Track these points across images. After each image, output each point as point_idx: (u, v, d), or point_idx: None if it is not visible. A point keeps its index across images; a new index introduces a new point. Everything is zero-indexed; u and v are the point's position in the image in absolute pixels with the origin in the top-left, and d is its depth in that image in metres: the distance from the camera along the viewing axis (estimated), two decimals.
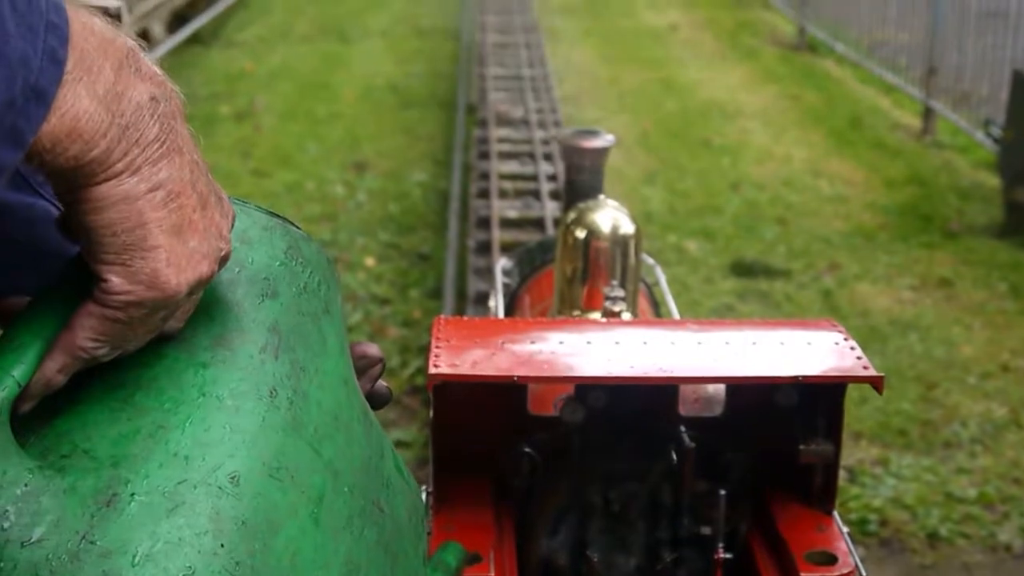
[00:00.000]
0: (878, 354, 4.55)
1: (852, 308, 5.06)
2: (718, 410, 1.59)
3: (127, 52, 0.76)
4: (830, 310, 4.97)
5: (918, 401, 4.26)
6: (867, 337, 4.69)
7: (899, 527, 3.59)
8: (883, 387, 1.39)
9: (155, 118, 0.76)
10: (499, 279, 2.41)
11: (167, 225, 0.77)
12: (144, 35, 8.89)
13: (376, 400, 1.07)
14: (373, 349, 1.06)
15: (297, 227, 0.92)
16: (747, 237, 5.88)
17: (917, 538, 3.54)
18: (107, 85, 0.74)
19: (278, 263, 0.88)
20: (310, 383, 0.86)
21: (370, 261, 5.47)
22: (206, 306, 0.84)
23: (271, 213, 0.91)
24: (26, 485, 0.72)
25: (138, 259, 0.76)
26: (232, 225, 0.84)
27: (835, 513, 1.52)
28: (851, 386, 1.49)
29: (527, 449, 1.55)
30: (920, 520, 3.61)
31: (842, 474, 3.73)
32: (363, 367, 1.04)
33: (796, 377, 1.43)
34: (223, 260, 0.82)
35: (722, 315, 4.90)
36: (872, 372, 1.41)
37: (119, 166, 0.74)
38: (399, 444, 3.95)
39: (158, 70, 0.79)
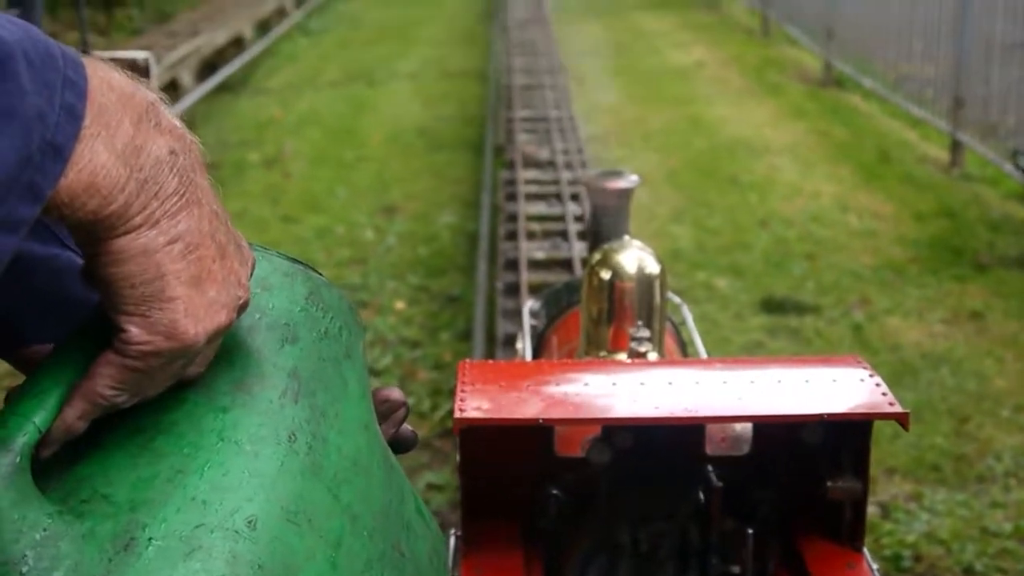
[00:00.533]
0: (910, 388, 4.53)
1: (883, 343, 5.05)
2: (745, 448, 1.59)
3: (147, 106, 0.77)
4: (861, 345, 4.96)
5: (951, 435, 4.24)
6: (899, 371, 4.67)
7: (934, 562, 3.56)
8: (908, 423, 1.39)
9: (174, 171, 0.77)
10: (527, 321, 2.42)
11: (185, 276, 0.78)
12: (173, 84, 8.97)
13: (401, 444, 1.08)
14: (396, 393, 1.07)
15: (319, 273, 0.93)
16: (776, 273, 5.88)
17: (952, 573, 3.52)
18: (125, 139, 0.75)
19: (299, 308, 0.89)
20: (330, 428, 0.87)
21: (400, 304, 5.48)
22: (226, 351, 0.84)
23: (292, 259, 0.92)
24: (45, 530, 0.73)
25: (156, 310, 0.77)
26: (252, 272, 0.85)
27: (864, 550, 1.52)
28: (883, 421, 1.49)
29: (555, 491, 1.56)
30: (955, 555, 3.58)
31: (875, 510, 3.71)
32: (386, 411, 1.05)
33: (821, 415, 1.43)
34: (242, 308, 0.83)
35: (752, 352, 4.89)
36: (897, 408, 1.42)
37: (138, 219, 0.75)
38: (431, 487, 3.95)
39: (178, 123, 0.80)
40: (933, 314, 5.36)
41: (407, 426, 1.09)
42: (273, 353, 0.86)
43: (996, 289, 5.62)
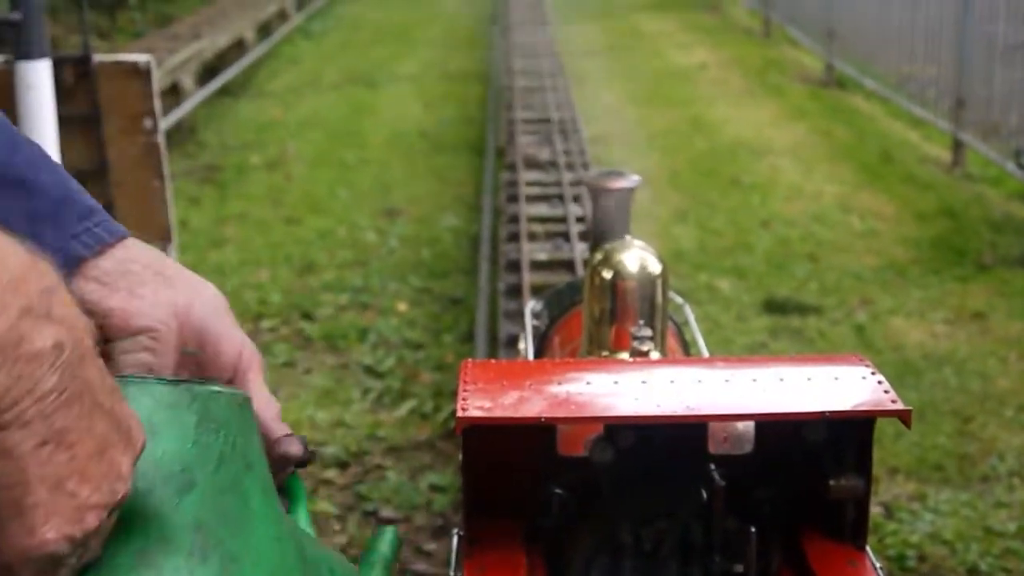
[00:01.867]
0: (913, 388, 4.53)
1: (886, 343, 5.05)
2: (747, 447, 1.59)
3: (39, 292, 0.70)
4: (863, 346, 4.96)
5: (954, 435, 4.24)
6: (901, 372, 4.67)
7: (938, 562, 3.56)
8: (911, 421, 1.39)
9: (55, 367, 0.70)
10: (528, 321, 2.41)
11: (52, 480, 0.71)
12: (175, 88, 8.97)
13: (291, 466, 1.04)
14: (295, 448, 1.03)
15: (202, 383, 0.87)
16: (779, 274, 5.88)
17: (957, 573, 3.52)
18: (3, 329, 0.68)
19: (190, 444, 0.83)
20: (241, 570, 0.83)
21: (402, 306, 5.48)
22: (124, 520, 0.79)
23: (173, 381, 0.85)
24: None
25: (14, 519, 0.70)
26: (139, 454, 0.78)
27: (867, 548, 1.52)
28: (886, 421, 1.49)
29: (557, 490, 1.55)
30: (959, 555, 3.58)
31: (879, 510, 3.71)
32: (284, 465, 1.02)
33: (824, 413, 1.42)
34: (120, 502, 0.76)
35: (755, 353, 4.89)
36: (900, 406, 1.41)
37: (6, 417, 0.69)
38: (434, 489, 3.95)
39: (73, 309, 0.74)
40: (935, 314, 5.35)
41: (295, 439, 1.05)
42: (172, 510, 0.81)
43: (999, 289, 5.62)
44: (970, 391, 4.58)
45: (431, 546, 3.68)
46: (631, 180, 2.24)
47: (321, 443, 4.24)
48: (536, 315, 2.43)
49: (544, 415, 1.41)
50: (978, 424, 4.32)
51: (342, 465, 4.12)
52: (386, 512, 3.85)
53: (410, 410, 4.46)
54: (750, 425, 1.60)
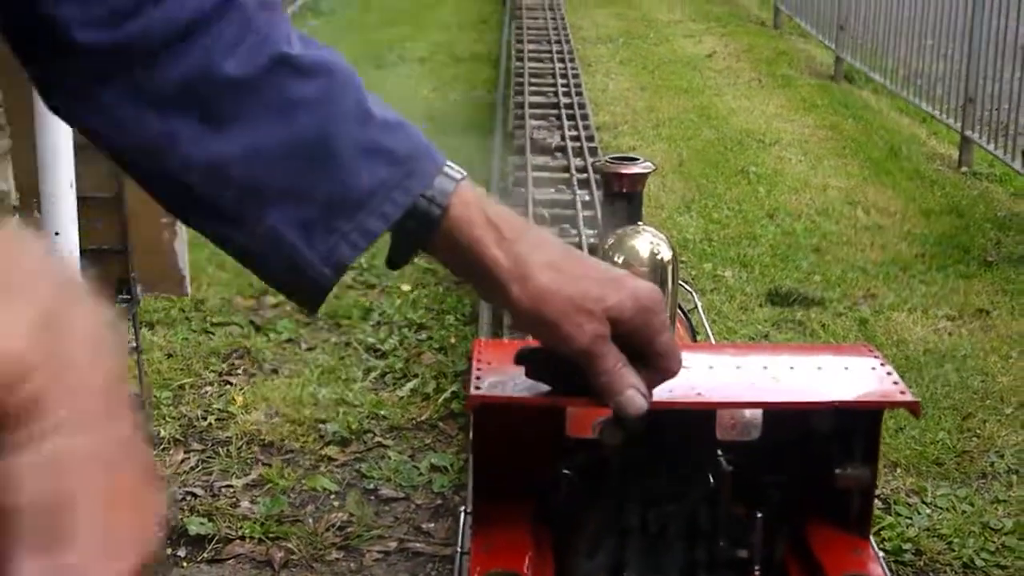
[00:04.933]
0: (914, 384, 4.54)
1: (888, 338, 5.06)
2: (755, 434, 1.60)
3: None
4: (866, 339, 4.97)
5: (954, 431, 4.25)
6: (903, 367, 4.68)
7: (934, 557, 3.58)
8: (920, 412, 1.40)
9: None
10: None
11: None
12: None
13: None
14: None
15: None
16: (783, 266, 5.89)
17: (952, 568, 3.54)
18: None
19: None
20: None
21: (406, 287, 5.49)
22: None
23: None
24: None
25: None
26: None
27: (871, 538, 1.53)
28: (887, 415, 1.50)
29: (566, 471, 1.56)
30: (956, 550, 3.60)
31: (877, 503, 3.72)
32: None
33: (833, 402, 1.44)
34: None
35: (758, 343, 4.90)
36: (909, 397, 1.43)
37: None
38: (435, 469, 3.97)
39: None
40: (939, 310, 5.36)
41: None
42: None
43: (1002, 287, 5.63)
44: (971, 388, 4.59)
45: (430, 525, 3.70)
46: (644, 166, 2.24)
47: (323, 420, 4.25)
48: None
49: (555, 397, 1.42)
50: (978, 421, 4.34)
51: (343, 442, 4.14)
52: (386, 490, 3.86)
53: (412, 390, 4.47)
54: (758, 412, 1.61)
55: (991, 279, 5.73)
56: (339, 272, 1.23)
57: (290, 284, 1.22)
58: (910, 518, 3.74)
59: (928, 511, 3.78)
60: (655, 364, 1.25)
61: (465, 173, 1.24)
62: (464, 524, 1.55)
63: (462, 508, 1.57)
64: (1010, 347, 4.97)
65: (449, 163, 1.24)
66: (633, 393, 1.22)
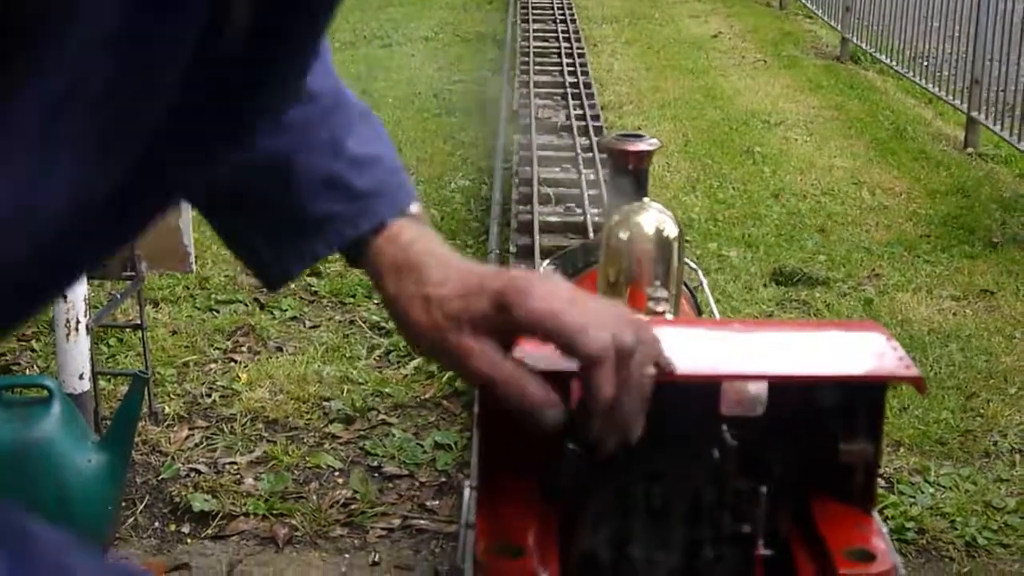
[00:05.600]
0: (919, 363, 4.54)
1: (892, 317, 5.06)
2: (759, 410, 1.60)
3: None
4: (870, 319, 4.97)
5: (958, 411, 4.26)
6: (907, 346, 4.66)
7: (937, 535, 3.58)
8: (925, 387, 1.40)
9: None
10: None
11: None
12: None
13: None
14: None
15: None
16: (788, 246, 5.88)
17: (955, 546, 3.54)
18: None
19: None
20: None
21: None
22: None
23: None
24: None
25: None
26: None
27: (874, 513, 1.53)
28: (892, 394, 1.50)
29: (571, 446, 1.56)
30: (959, 529, 3.60)
31: (880, 482, 3.73)
32: None
33: (839, 376, 1.44)
34: None
35: (763, 319, 4.90)
36: (914, 372, 1.43)
37: None
38: (439, 447, 3.97)
39: None
40: (943, 290, 5.36)
41: None
42: None
43: (1007, 267, 5.63)
44: (975, 367, 4.60)
45: (434, 503, 3.70)
46: (650, 143, 2.24)
47: (327, 398, 4.26)
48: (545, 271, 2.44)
49: (561, 370, 1.42)
50: (982, 400, 4.34)
51: (347, 420, 4.14)
52: (390, 468, 3.87)
53: (416, 368, 4.48)
54: (762, 387, 1.60)
55: (996, 260, 5.73)
56: (288, 279, 1.35)
57: (252, 270, 1.36)
58: (913, 497, 3.74)
59: (931, 490, 3.78)
60: (566, 346, 1.27)
61: (418, 212, 1.34)
62: (469, 499, 1.56)
63: (467, 483, 1.57)
64: (1014, 327, 4.97)
65: (411, 203, 1.34)
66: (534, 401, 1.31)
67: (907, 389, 3.96)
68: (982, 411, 4.26)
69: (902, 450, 3.99)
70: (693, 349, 1.51)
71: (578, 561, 1.57)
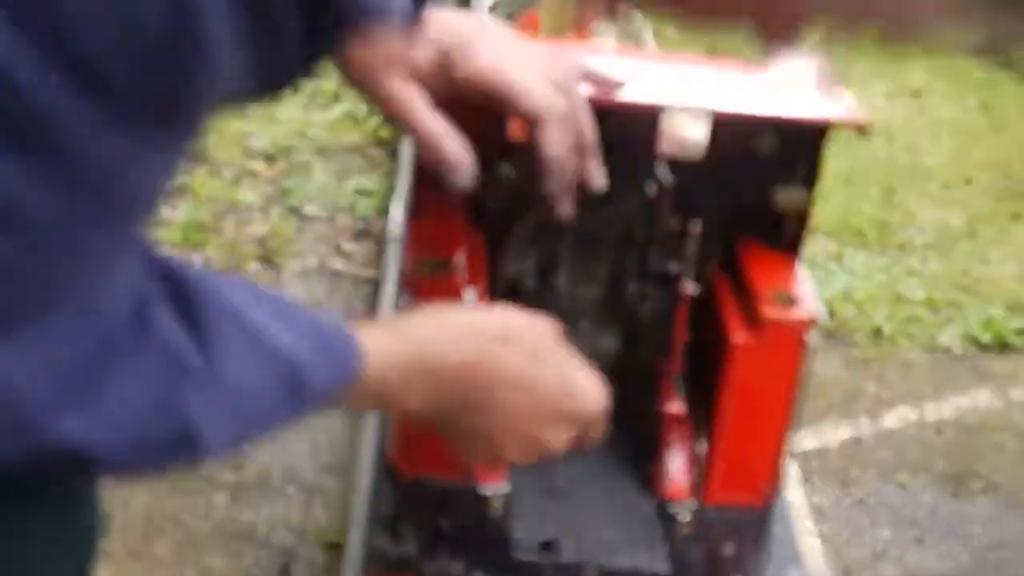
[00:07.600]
0: (843, 155, 4.55)
1: None
2: (698, 154, 1.59)
3: None
4: None
5: (878, 203, 4.29)
6: (834, 137, 4.68)
7: (845, 321, 3.63)
8: (869, 131, 1.39)
9: None
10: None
11: None
12: None
13: None
14: None
15: None
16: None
17: (862, 332, 3.59)
18: None
19: None
20: None
21: None
22: None
23: None
24: None
25: None
26: None
27: (801, 260, 1.53)
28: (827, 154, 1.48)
29: (504, 171, 1.54)
30: (867, 315, 3.65)
31: None
32: None
33: (782, 118, 1.42)
34: None
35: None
36: (859, 116, 1.41)
37: None
38: (360, 192, 3.94)
39: None
40: (877, 87, 5.35)
41: None
42: None
43: (938, 72, 5.62)
44: (898, 164, 4.62)
45: (351, 247, 3.69)
46: None
47: (250, 133, 4.19)
48: (492, 8, 2.38)
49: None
50: (901, 196, 4.37)
51: (269, 158, 4.09)
52: (309, 209, 3.84)
53: (343, 112, 4.40)
54: (702, 132, 1.59)
55: (927, 63, 5.71)
56: None
57: None
58: (826, 281, 3.78)
59: (844, 276, 3.82)
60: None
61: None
62: (402, 219, 1.54)
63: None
64: (940, 127, 4.99)
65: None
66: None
67: (829, 181, 3.97)
68: (901, 205, 4.30)
69: (820, 235, 4.01)
70: (636, 79, 1.48)
71: (503, 287, 1.56)
